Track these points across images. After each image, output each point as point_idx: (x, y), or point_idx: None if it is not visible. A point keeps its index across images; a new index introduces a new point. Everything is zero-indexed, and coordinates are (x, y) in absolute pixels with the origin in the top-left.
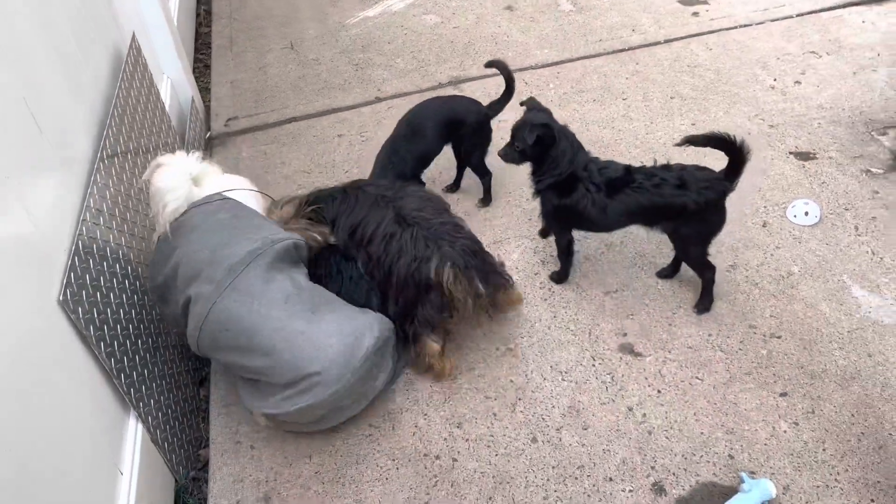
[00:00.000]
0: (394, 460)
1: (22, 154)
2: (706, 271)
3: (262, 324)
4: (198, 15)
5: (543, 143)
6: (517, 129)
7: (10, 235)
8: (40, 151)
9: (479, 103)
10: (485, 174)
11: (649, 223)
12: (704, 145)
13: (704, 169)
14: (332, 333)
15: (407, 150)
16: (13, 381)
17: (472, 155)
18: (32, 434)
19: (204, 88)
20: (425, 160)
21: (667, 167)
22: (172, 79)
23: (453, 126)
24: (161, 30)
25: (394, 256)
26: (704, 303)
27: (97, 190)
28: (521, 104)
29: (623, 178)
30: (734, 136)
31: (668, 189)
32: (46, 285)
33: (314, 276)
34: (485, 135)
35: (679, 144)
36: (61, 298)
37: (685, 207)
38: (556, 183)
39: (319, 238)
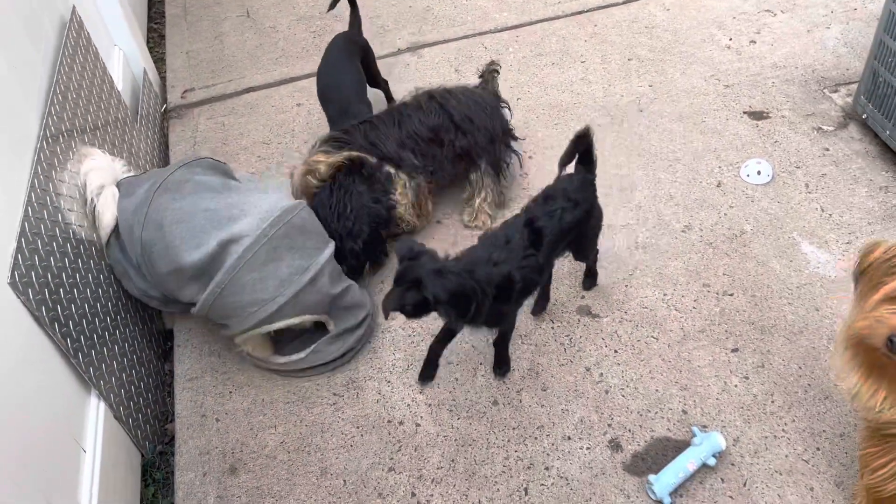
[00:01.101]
0: (358, 427)
1: None
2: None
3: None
4: None
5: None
6: (403, 288)
7: None
8: None
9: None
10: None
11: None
12: (573, 155)
13: (570, 177)
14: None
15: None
16: None
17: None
18: None
19: (159, 59)
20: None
21: (549, 197)
22: (125, 50)
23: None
24: (110, 1)
25: None
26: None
27: (42, 170)
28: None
29: (537, 229)
30: (587, 129)
31: (568, 214)
32: None
33: None
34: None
35: (562, 167)
36: (10, 280)
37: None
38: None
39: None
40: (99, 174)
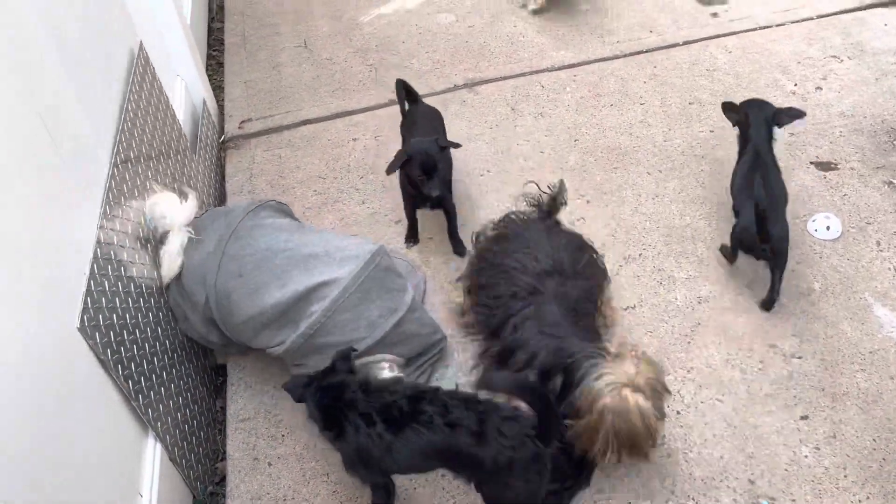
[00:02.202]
0: (411, 480)
1: (41, 177)
2: None
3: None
4: (210, 10)
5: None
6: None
7: (33, 264)
8: (58, 172)
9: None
10: None
11: (453, 469)
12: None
13: (515, 417)
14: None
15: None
16: (34, 411)
17: None
18: (53, 463)
19: (217, 87)
20: None
21: (470, 400)
22: (186, 80)
23: None
24: (174, 31)
25: None
26: None
27: (110, 209)
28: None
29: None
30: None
31: (462, 435)
32: (66, 312)
33: None
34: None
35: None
36: (79, 325)
37: (481, 463)
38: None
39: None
40: (167, 215)
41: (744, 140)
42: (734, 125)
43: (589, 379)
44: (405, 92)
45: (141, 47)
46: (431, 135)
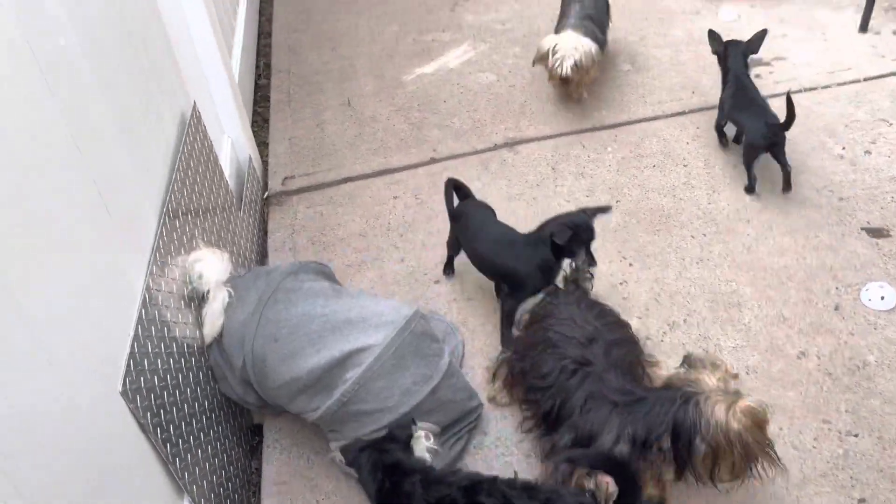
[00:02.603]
0: None
1: (92, 241)
2: None
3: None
4: (257, 67)
5: None
6: None
7: (80, 327)
8: (108, 235)
9: None
10: None
11: None
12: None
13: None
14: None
15: None
16: (72, 474)
17: None
18: None
19: (262, 143)
20: None
21: (531, 488)
22: (233, 138)
23: None
24: (224, 91)
25: None
26: None
27: (156, 270)
28: None
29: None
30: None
31: None
32: (109, 376)
33: None
34: None
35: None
36: (122, 389)
37: None
38: None
39: None
40: (210, 274)
41: (724, 69)
42: (713, 53)
43: (705, 418)
44: (454, 189)
45: (194, 108)
46: (490, 231)
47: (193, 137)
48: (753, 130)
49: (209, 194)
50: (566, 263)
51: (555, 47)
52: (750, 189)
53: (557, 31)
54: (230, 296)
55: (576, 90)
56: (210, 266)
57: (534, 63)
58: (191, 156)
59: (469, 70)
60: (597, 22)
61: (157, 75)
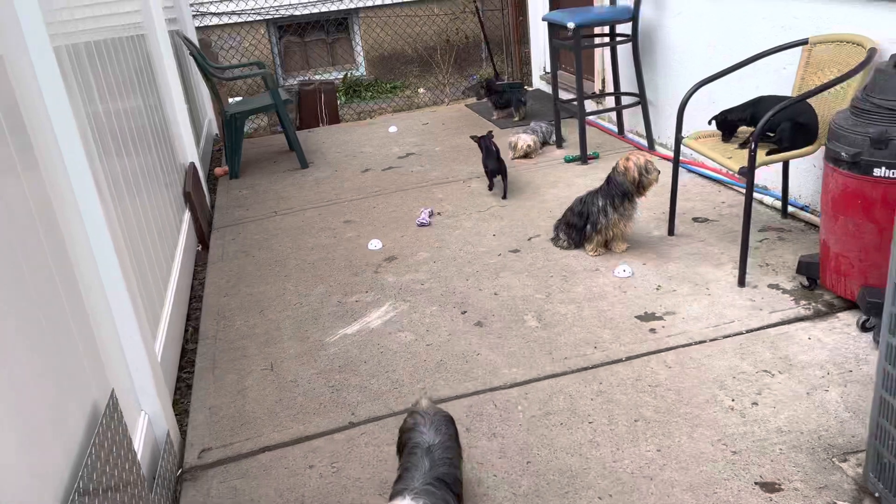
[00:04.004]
0: None
1: None
2: None
3: None
4: (186, 331)
5: None
6: None
7: None
8: None
9: None
10: None
11: None
12: None
13: None
14: None
15: None
16: None
17: None
18: None
19: (183, 411)
20: None
21: None
22: (150, 415)
23: None
24: (144, 371)
25: None
26: None
27: None
28: None
29: None
30: None
31: None
32: None
33: None
34: None
35: None
36: None
37: None
38: None
39: None
40: None
41: None
42: None
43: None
44: None
45: (112, 395)
46: None
47: (107, 426)
48: None
49: (119, 482)
50: None
51: None
52: None
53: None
54: None
55: None
56: None
57: None
58: (102, 447)
59: (389, 329)
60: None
61: (69, 369)
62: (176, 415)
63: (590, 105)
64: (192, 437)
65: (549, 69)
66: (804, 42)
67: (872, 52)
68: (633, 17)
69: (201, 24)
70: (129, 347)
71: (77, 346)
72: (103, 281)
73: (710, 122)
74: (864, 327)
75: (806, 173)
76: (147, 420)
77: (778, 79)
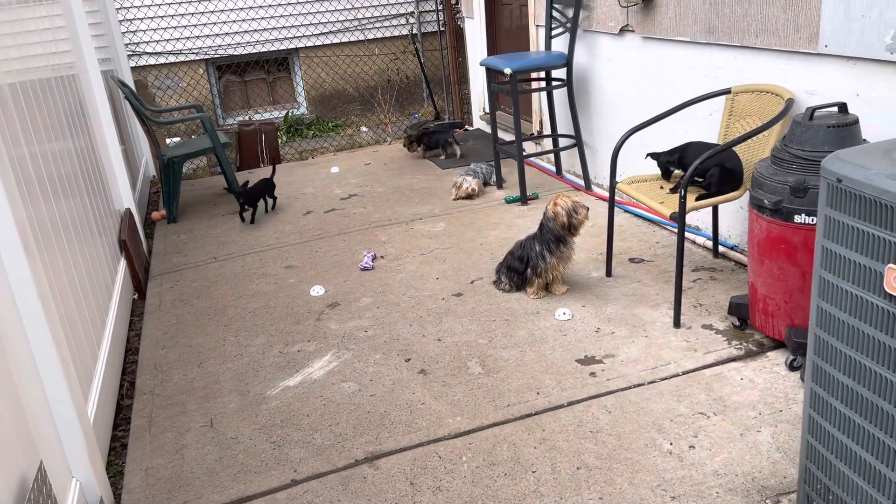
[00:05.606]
0: None
1: None
2: None
3: None
4: (121, 387)
5: None
6: None
7: None
8: None
9: None
10: None
11: None
12: None
13: None
14: None
15: None
16: None
17: None
18: None
19: (118, 472)
20: None
21: None
22: (81, 481)
23: None
24: (75, 436)
25: None
26: None
27: None
28: None
29: None
30: None
31: None
32: None
33: None
34: None
35: None
36: None
37: None
38: None
39: None
40: None
41: None
42: None
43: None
44: None
45: (40, 468)
46: None
47: (35, 500)
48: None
49: None
50: None
51: None
52: None
53: None
54: None
55: None
56: None
57: None
58: None
59: (332, 380)
60: None
61: None
62: (110, 477)
63: (529, 146)
64: (127, 502)
65: (488, 109)
66: (727, 91)
67: (790, 102)
68: (568, 62)
69: (137, 64)
70: (59, 412)
71: (4, 420)
72: (31, 345)
73: (646, 157)
74: (791, 366)
75: (734, 215)
76: (79, 487)
77: (705, 125)
